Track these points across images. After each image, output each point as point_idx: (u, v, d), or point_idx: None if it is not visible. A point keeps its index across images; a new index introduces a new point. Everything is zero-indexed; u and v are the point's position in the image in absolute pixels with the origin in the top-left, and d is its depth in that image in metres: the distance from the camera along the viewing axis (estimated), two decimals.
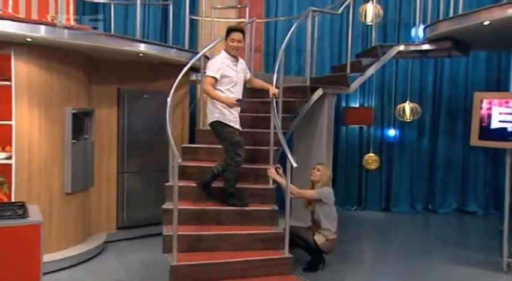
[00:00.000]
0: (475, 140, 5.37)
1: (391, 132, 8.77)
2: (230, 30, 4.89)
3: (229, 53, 4.88)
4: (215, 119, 4.87)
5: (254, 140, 5.57)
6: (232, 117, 4.88)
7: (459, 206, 8.83)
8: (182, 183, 4.77)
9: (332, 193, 5.21)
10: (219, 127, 4.88)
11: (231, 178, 4.90)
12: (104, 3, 7.68)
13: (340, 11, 6.64)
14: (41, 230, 3.21)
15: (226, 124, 4.85)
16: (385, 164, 8.81)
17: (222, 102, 4.75)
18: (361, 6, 7.82)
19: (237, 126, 4.94)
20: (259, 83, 5.32)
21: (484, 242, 6.71)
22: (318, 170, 5.29)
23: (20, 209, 3.51)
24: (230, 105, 4.76)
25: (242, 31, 4.92)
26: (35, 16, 6.48)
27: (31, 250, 3.19)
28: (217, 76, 4.78)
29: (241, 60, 5.06)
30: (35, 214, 3.42)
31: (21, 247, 3.24)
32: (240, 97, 4.92)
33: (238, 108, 4.94)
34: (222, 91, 4.82)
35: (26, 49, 4.94)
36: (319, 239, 5.11)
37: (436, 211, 8.75)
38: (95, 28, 7.34)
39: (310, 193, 5.20)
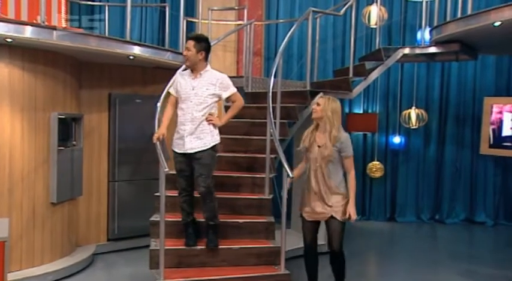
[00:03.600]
0: (485, 149, 5.07)
1: (396, 140, 8.51)
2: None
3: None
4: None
5: (250, 147, 5.31)
6: (177, 139, 4.22)
7: (467, 216, 8.52)
8: (172, 193, 4.49)
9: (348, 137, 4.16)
10: None
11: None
12: (100, 6, 7.49)
13: (342, 12, 6.36)
14: (5, 247, 2.90)
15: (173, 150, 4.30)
16: (390, 172, 8.55)
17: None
18: (364, 8, 7.58)
19: (183, 148, 4.16)
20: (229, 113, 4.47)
21: (495, 255, 6.48)
22: (318, 104, 4.14)
23: None
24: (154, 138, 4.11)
25: (192, 39, 4.15)
26: (24, 18, 6.26)
27: None
28: (173, 92, 4.27)
29: (212, 73, 4.21)
30: (1, 229, 3.12)
31: None
32: (191, 114, 4.10)
33: (199, 121, 4.13)
34: (181, 109, 4.19)
35: (7, 50, 4.70)
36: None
37: (443, 222, 8.46)
38: (91, 28, 7.13)
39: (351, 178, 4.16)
